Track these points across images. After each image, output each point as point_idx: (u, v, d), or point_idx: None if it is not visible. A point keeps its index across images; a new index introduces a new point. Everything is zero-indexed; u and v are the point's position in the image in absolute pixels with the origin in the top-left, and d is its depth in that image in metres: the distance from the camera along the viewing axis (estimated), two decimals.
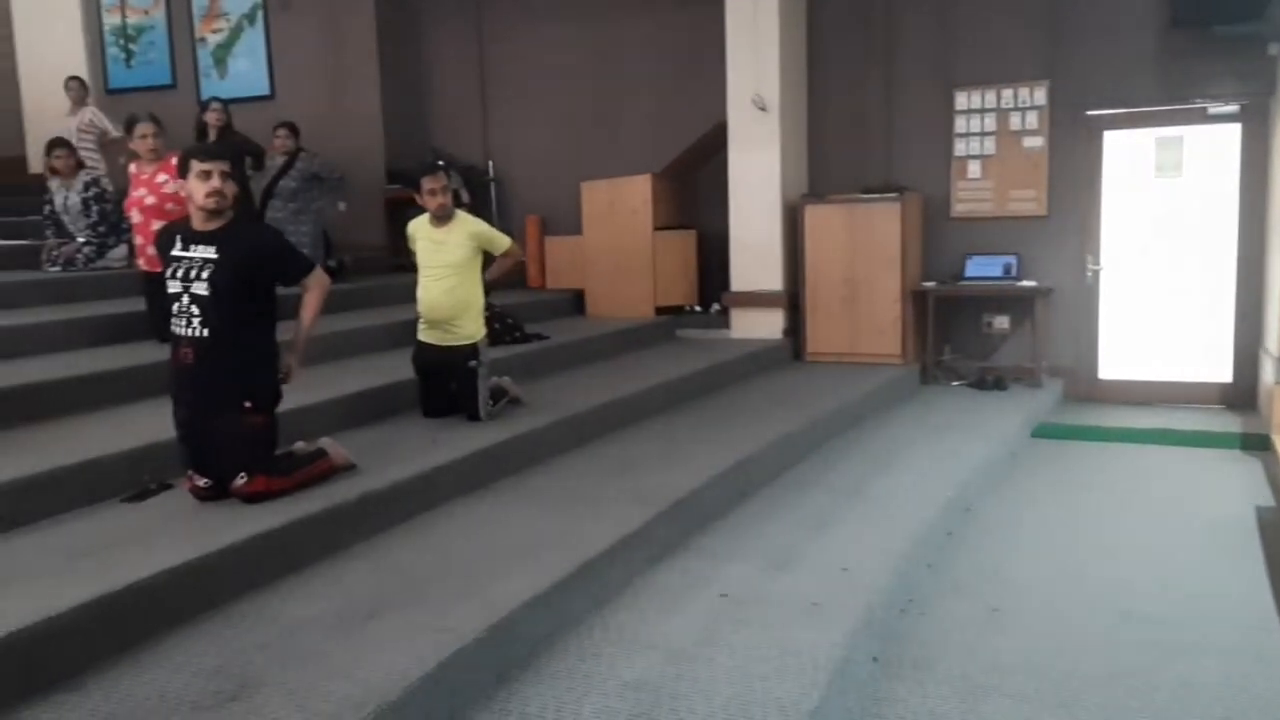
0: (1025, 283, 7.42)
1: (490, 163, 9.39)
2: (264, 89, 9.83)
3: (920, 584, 4.04)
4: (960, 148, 7.70)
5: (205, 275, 3.67)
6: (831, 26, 7.99)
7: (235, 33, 10.00)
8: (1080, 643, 3.57)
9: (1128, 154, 7.38)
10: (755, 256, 7.82)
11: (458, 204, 5.30)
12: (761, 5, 7.54)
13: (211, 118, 8.17)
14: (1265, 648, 3.51)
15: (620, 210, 8.30)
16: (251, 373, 3.79)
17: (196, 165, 3.68)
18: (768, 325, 7.86)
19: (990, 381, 7.41)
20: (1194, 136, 7.20)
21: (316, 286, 4.03)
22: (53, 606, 2.75)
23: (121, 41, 10.52)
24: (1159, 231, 7.34)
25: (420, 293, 5.09)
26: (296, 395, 4.18)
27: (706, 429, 5.50)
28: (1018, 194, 7.58)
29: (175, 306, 3.71)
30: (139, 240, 5.82)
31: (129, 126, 6.04)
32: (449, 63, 9.48)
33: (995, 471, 5.66)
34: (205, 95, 9.35)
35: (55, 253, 6.88)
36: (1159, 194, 7.33)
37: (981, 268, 7.56)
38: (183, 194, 3.82)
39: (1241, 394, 7.10)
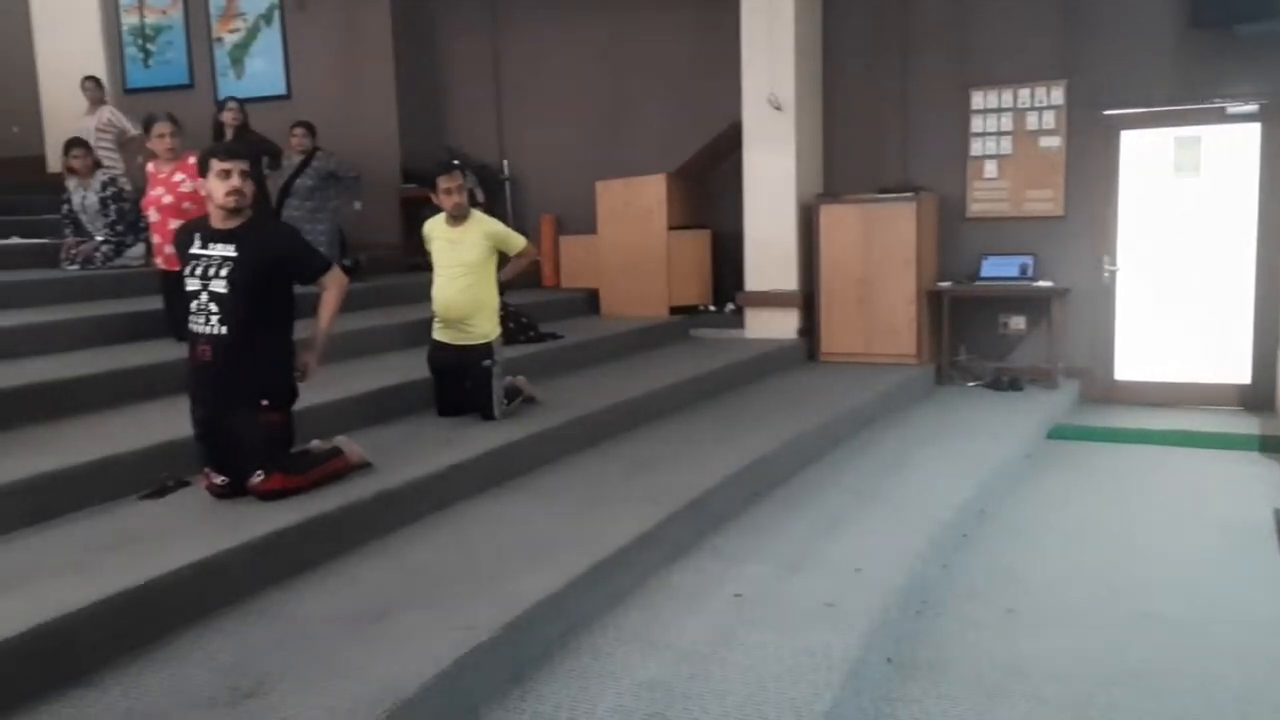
0: (1041, 283, 7.39)
1: (505, 162, 9.41)
2: (280, 89, 9.87)
3: (935, 585, 4.03)
4: (976, 147, 7.66)
5: (224, 273, 3.70)
6: (847, 26, 7.96)
7: (252, 33, 10.05)
8: (1096, 644, 3.55)
9: (1146, 154, 7.33)
10: (770, 256, 7.81)
11: (473, 203, 5.31)
12: (777, 5, 7.52)
13: (228, 117, 8.21)
14: None
15: (635, 210, 8.30)
16: (268, 371, 3.81)
17: (216, 164, 3.70)
18: (782, 325, 7.85)
19: (1006, 382, 7.38)
20: (1212, 136, 7.15)
21: (334, 285, 4.05)
22: (73, 602, 2.77)
23: (139, 41, 10.59)
24: (1177, 232, 7.29)
25: (435, 292, 5.10)
26: (312, 393, 4.20)
27: (721, 429, 5.50)
28: (1034, 194, 7.54)
29: (193, 304, 3.74)
30: (156, 239, 5.85)
31: (147, 126, 6.08)
32: (464, 62, 9.50)
33: (1011, 473, 5.64)
34: (222, 95, 9.39)
35: (74, 251, 6.92)
36: (1177, 194, 7.28)
37: (997, 268, 7.53)
38: (202, 193, 3.84)
39: (1260, 396, 7.04)
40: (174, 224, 5.43)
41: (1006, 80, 7.52)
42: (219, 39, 10.23)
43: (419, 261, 6.40)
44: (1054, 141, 7.44)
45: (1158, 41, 7.09)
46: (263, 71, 9.99)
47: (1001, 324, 7.72)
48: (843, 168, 8.03)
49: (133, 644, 2.85)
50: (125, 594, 2.88)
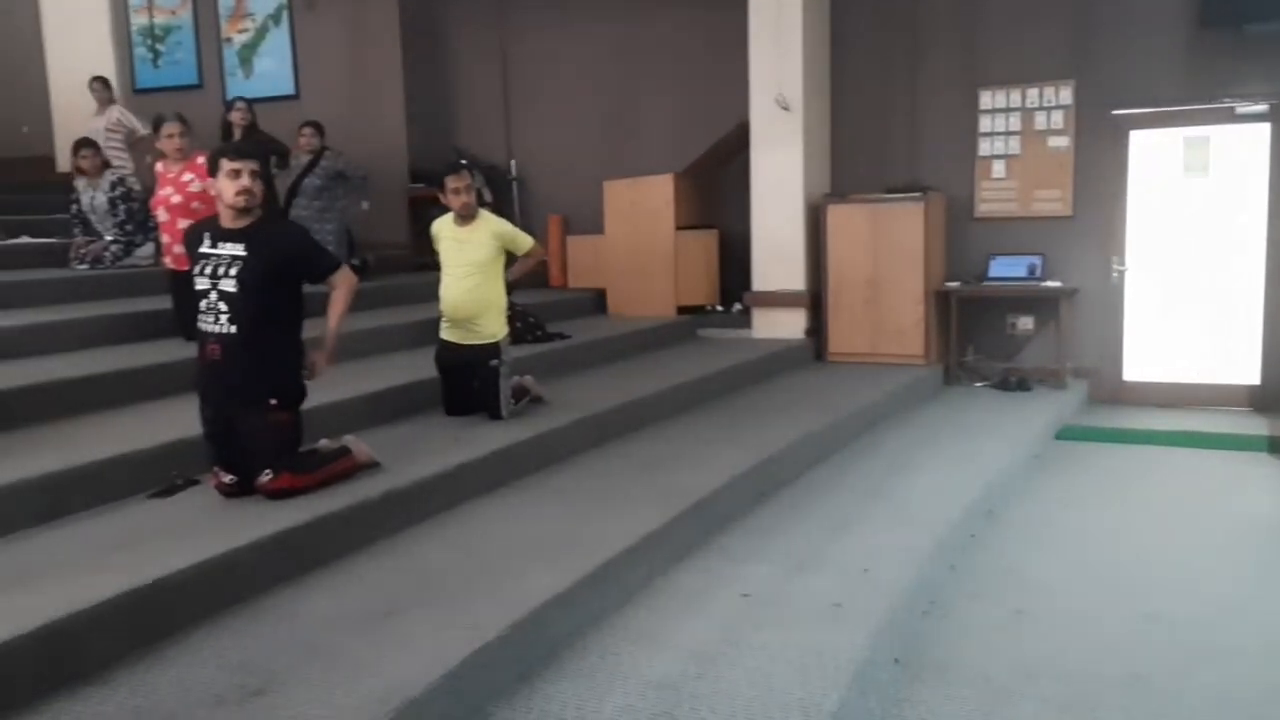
0: (1050, 283, 7.37)
1: (512, 162, 9.41)
2: (289, 89, 9.89)
3: (943, 586, 4.03)
4: (985, 147, 7.65)
5: (233, 272, 3.71)
6: (855, 25, 7.95)
7: (260, 33, 10.07)
8: (1104, 645, 3.54)
9: (1154, 154, 7.31)
10: (777, 256, 7.81)
11: (481, 203, 5.31)
12: (785, 4, 7.52)
13: (236, 117, 8.22)
14: None
15: (642, 210, 8.30)
16: (277, 370, 3.83)
17: (226, 164, 3.72)
18: (789, 325, 7.84)
19: (1014, 383, 7.36)
20: (1222, 136, 7.13)
21: (343, 284, 4.06)
22: (83, 600, 2.78)
23: (149, 42, 10.62)
24: (1186, 232, 7.27)
25: (443, 291, 5.11)
26: (320, 393, 4.20)
27: (728, 429, 5.50)
28: (1042, 194, 7.52)
29: (203, 303, 3.75)
30: (165, 239, 5.87)
31: (156, 126, 6.09)
32: (472, 62, 9.51)
33: (1019, 473, 5.63)
34: (231, 95, 9.40)
35: (83, 251, 6.95)
36: (1186, 194, 7.26)
37: (1005, 268, 7.51)
38: (212, 192, 3.86)
39: (1269, 396, 7.02)
40: (183, 224, 5.44)
41: (1015, 80, 7.50)
42: (228, 39, 10.25)
43: (427, 261, 6.41)
44: (1062, 141, 7.42)
45: (1167, 41, 7.07)
46: (271, 71, 10.02)
47: (1009, 324, 7.70)
48: (850, 168, 8.02)
49: (142, 642, 2.86)
50: (134, 592, 2.89)
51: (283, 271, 3.80)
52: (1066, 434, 6.63)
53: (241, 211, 3.76)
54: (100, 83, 9.13)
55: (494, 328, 5.07)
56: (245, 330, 3.71)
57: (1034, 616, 3.79)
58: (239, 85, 9.94)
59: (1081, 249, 7.41)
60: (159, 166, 5.95)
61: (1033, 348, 7.66)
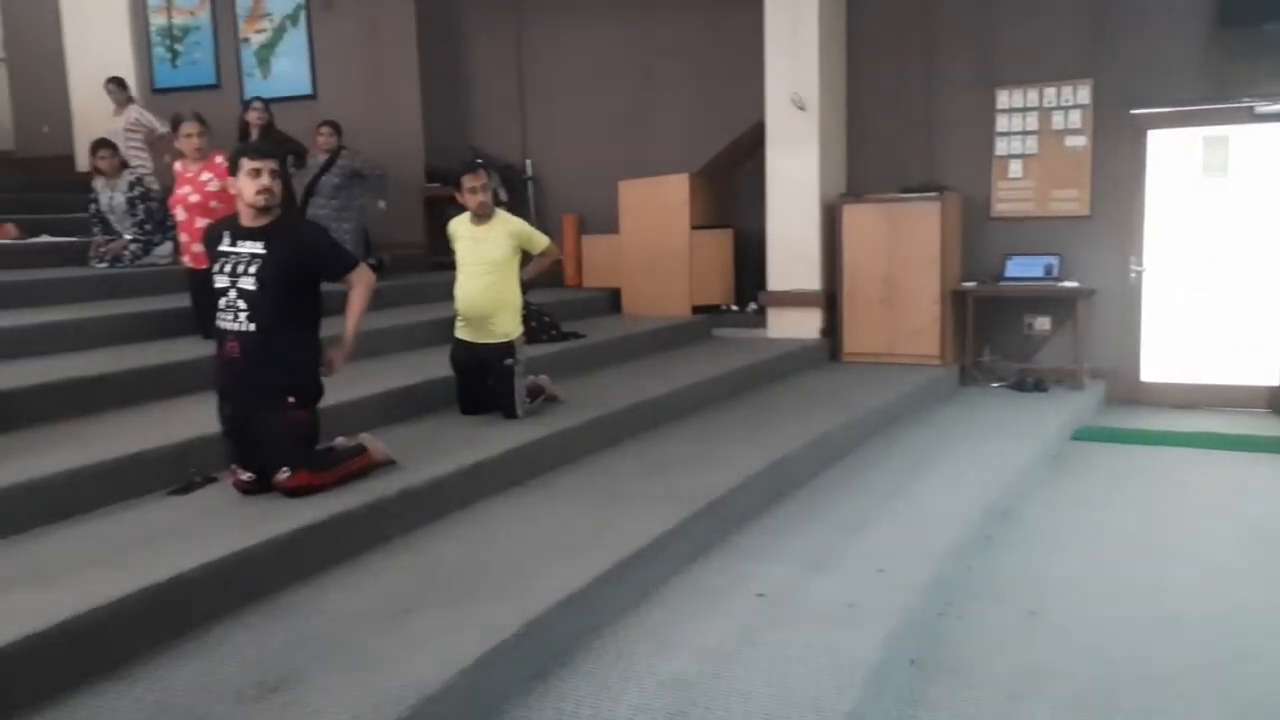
0: (1067, 283, 7.33)
1: (528, 161, 9.43)
2: (306, 89, 9.94)
3: (958, 587, 4.02)
4: (1001, 147, 7.62)
5: (252, 270, 3.74)
6: (872, 25, 7.93)
7: (278, 33, 10.11)
8: (1121, 648, 3.53)
9: (1173, 153, 7.26)
10: (793, 256, 7.80)
11: (496, 203, 5.33)
12: (801, 4, 7.51)
13: (253, 117, 8.27)
14: None
15: (657, 209, 8.30)
16: (295, 368, 3.85)
17: (247, 163, 3.75)
18: (805, 325, 7.83)
19: (1030, 383, 7.33)
20: (1241, 136, 7.08)
21: (361, 283, 4.08)
22: (102, 596, 2.80)
23: (167, 42, 10.68)
24: (1204, 232, 7.22)
25: (458, 290, 5.12)
26: (337, 391, 4.22)
27: (743, 428, 5.50)
28: (1060, 194, 7.49)
29: (222, 301, 3.78)
30: (184, 237, 5.91)
31: (174, 126, 6.14)
32: (488, 62, 9.53)
33: (1035, 474, 5.61)
34: (248, 95, 9.45)
35: (102, 249, 7.00)
36: (1205, 194, 7.21)
37: (1022, 268, 7.48)
38: (232, 191, 3.89)
39: None
40: (201, 222, 5.49)
41: (1032, 79, 7.47)
42: (245, 39, 10.30)
43: (442, 260, 6.43)
44: (1080, 141, 7.38)
45: (1186, 40, 7.03)
46: (289, 71, 10.06)
47: (1026, 324, 7.67)
48: (866, 167, 8.00)
49: (161, 638, 2.88)
50: (153, 588, 2.91)
51: (301, 270, 3.82)
52: (1083, 435, 6.60)
53: (261, 210, 3.79)
54: (116, 84, 9.14)
55: (509, 327, 5.08)
56: (264, 328, 3.73)
57: (1050, 618, 3.78)
58: (257, 85, 9.99)
59: (1099, 249, 7.37)
60: (177, 166, 5.99)
61: (1049, 348, 7.63)
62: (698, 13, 8.61)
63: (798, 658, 3.06)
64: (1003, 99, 7.58)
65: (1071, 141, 7.41)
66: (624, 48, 8.95)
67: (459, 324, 5.16)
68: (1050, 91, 7.44)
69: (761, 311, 8.08)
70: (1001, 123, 7.60)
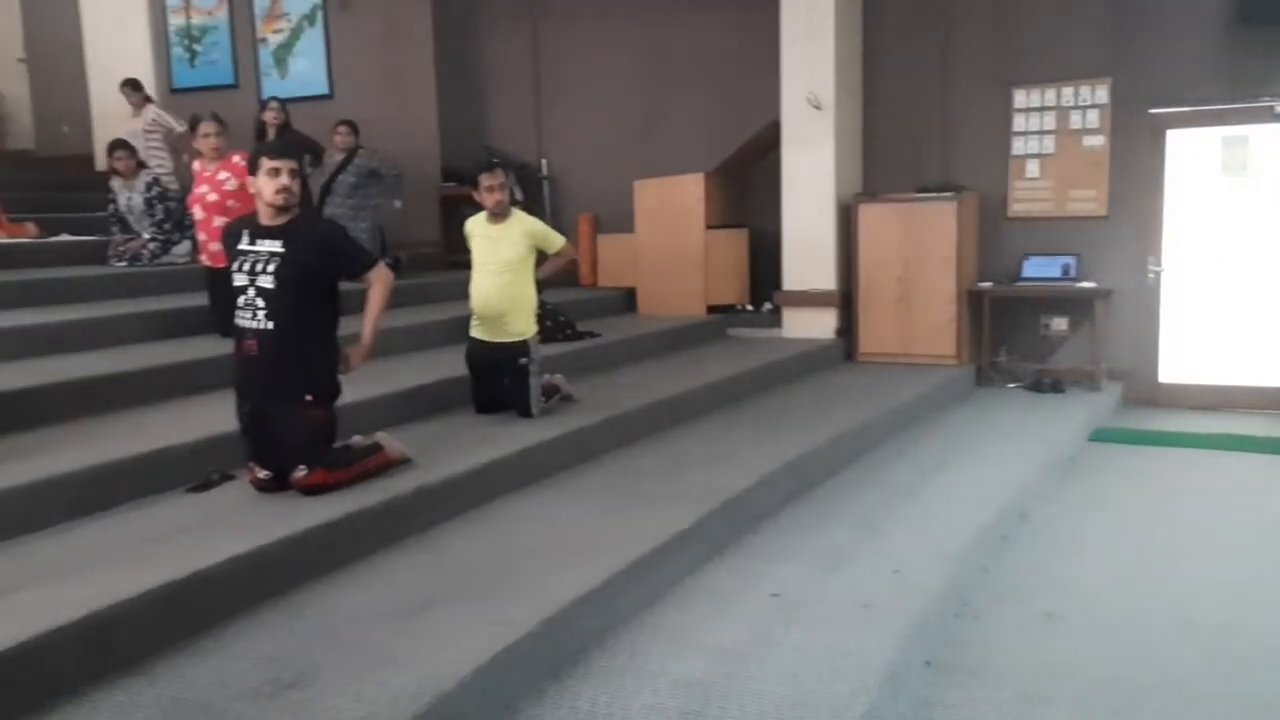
0: (1084, 284, 7.30)
1: (543, 161, 9.44)
2: (323, 88, 9.98)
3: (974, 588, 4.00)
4: (1019, 146, 7.59)
5: (271, 269, 3.76)
6: (888, 24, 7.91)
7: (295, 33, 10.16)
8: (1138, 651, 3.51)
9: (1192, 153, 7.22)
10: (808, 255, 7.78)
11: (512, 202, 5.34)
12: (818, 3, 7.49)
13: (269, 116, 8.31)
14: None
15: (672, 209, 8.30)
16: (313, 366, 3.87)
17: (266, 163, 3.78)
18: (820, 325, 7.81)
19: (1047, 384, 7.30)
20: (1261, 136, 7.02)
21: (380, 282, 4.10)
22: (123, 592, 2.83)
23: (186, 42, 10.74)
24: (1224, 233, 7.17)
25: (473, 289, 5.14)
26: (354, 389, 4.24)
27: (758, 428, 5.49)
28: (1077, 194, 7.45)
29: (241, 299, 3.81)
30: (202, 236, 5.94)
31: (193, 125, 6.17)
32: (504, 62, 9.54)
33: (1052, 475, 5.58)
34: (266, 95, 9.50)
35: (121, 248, 7.04)
36: (1224, 194, 7.16)
37: (1039, 268, 7.44)
38: (251, 190, 3.91)
39: None
40: (218, 221, 5.53)
41: (1049, 78, 7.43)
42: (263, 39, 10.36)
43: (458, 259, 6.44)
44: (1098, 140, 7.35)
45: (1205, 39, 6.98)
46: (306, 71, 10.11)
47: (1043, 325, 7.64)
48: (882, 167, 7.98)
49: (179, 634, 2.91)
50: (172, 585, 2.94)
51: (320, 269, 3.85)
52: (1101, 436, 6.56)
53: (280, 209, 3.82)
54: (130, 86, 9.08)
55: (524, 326, 5.09)
56: (282, 326, 3.76)
57: (1067, 620, 3.76)
58: (274, 85, 10.04)
59: (1117, 249, 7.33)
60: (196, 165, 6.03)
61: (1066, 349, 7.59)
62: (714, 12, 8.60)
63: (813, 658, 3.06)
64: (1020, 98, 7.54)
65: (1089, 141, 7.37)
66: (640, 47, 8.95)
67: (474, 323, 5.17)
68: (1068, 91, 7.40)
69: (777, 311, 8.07)
70: (1019, 122, 7.57)
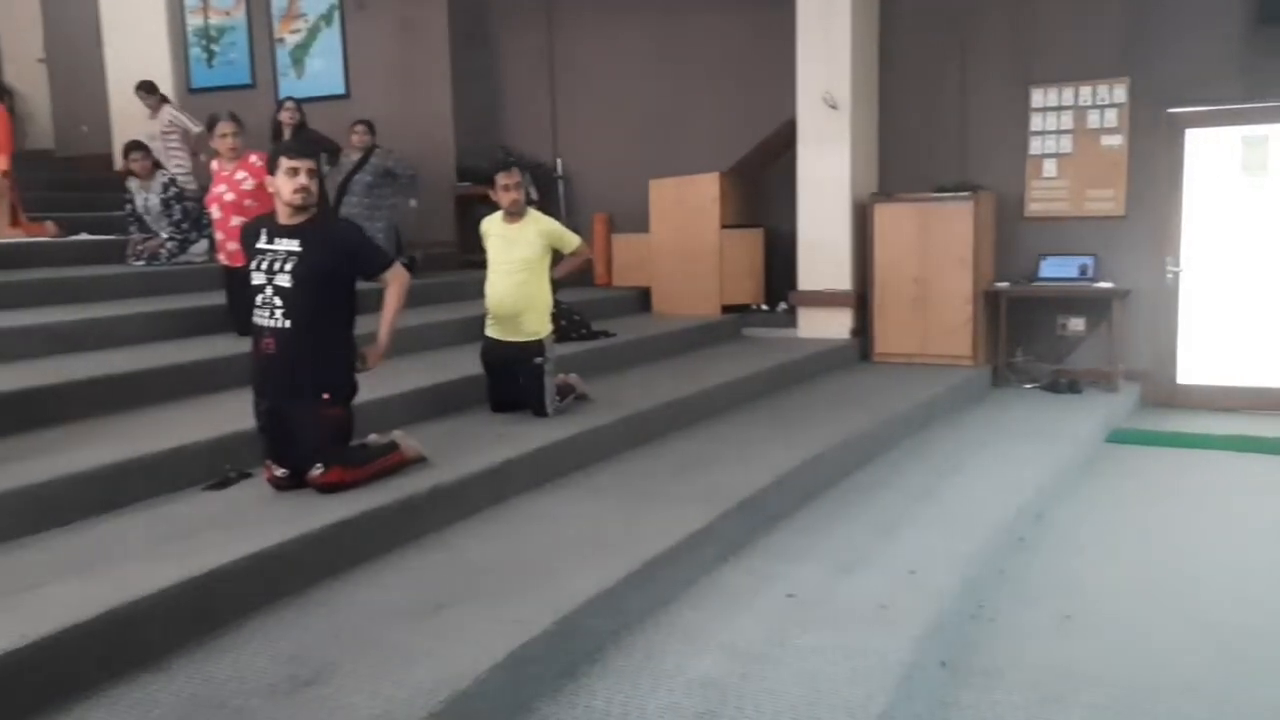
0: (1102, 284, 7.26)
1: (559, 161, 9.46)
2: (340, 88, 10.02)
3: (991, 590, 3.98)
4: (1036, 146, 7.55)
5: (289, 268, 3.78)
6: (905, 23, 7.89)
7: (312, 33, 10.21)
8: (1156, 654, 3.49)
9: (1211, 153, 7.17)
10: (824, 255, 7.77)
11: (528, 202, 5.35)
12: (834, 1, 7.48)
13: (285, 116, 8.36)
14: None
15: (687, 208, 8.29)
16: (330, 365, 3.89)
17: (285, 163, 3.80)
18: (835, 325, 7.80)
19: (1064, 384, 7.26)
20: None
21: (396, 282, 4.12)
22: (141, 589, 2.85)
23: (204, 42, 10.81)
24: (1243, 233, 7.12)
25: (488, 288, 5.15)
26: (370, 388, 4.26)
27: (773, 428, 5.48)
28: (1095, 193, 7.41)
29: (259, 298, 3.83)
30: (219, 235, 5.98)
31: (210, 125, 6.21)
32: (519, 61, 9.56)
33: (1069, 477, 5.55)
34: (283, 95, 9.55)
35: (140, 248, 7.09)
36: (1244, 194, 7.11)
37: (1056, 268, 7.41)
38: (270, 190, 3.94)
39: None
40: (236, 221, 5.57)
41: (1067, 77, 7.39)
42: (280, 39, 10.40)
43: (473, 259, 6.46)
44: (1116, 140, 7.30)
45: (1224, 37, 6.93)
46: (322, 71, 10.15)
47: (1060, 325, 7.60)
48: (898, 166, 7.96)
49: (198, 631, 2.92)
50: (190, 582, 2.95)
51: (337, 268, 3.87)
52: (1118, 437, 6.52)
53: (298, 209, 3.84)
54: (144, 89, 9.04)
55: (539, 325, 5.10)
56: (300, 325, 3.78)
57: (1083, 623, 3.74)
58: (291, 85, 10.09)
59: (1135, 250, 7.29)
60: (214, 165, 6.07)
61: (1084, 349, 7.55)
62: (729, 11, 8.60)
63: (828, 659, 3.05)
64: (1037, 98, 7.51)
65: (1107, 141, 7.33)
66: (655, 46, 8.95)
67: (489, 322, 5.18)
68: (1086, 90, 7.36)
69: (792, 311, 8.05)
70: (1036, 121, 7.53)
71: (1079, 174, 7.44)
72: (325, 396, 3.84)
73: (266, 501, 3.75)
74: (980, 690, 3.22)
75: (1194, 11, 7.00)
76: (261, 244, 3.88)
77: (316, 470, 3.75)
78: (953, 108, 7.78)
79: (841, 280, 7.75)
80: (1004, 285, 7.49)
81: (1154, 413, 7.15)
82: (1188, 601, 3.93)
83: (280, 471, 3.82)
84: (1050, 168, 7.52)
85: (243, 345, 4.35)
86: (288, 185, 3.80)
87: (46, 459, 3.70)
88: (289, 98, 8.84)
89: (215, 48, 10.76)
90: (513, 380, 5.08)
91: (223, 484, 3.90)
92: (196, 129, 8.61)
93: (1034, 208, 7.60)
